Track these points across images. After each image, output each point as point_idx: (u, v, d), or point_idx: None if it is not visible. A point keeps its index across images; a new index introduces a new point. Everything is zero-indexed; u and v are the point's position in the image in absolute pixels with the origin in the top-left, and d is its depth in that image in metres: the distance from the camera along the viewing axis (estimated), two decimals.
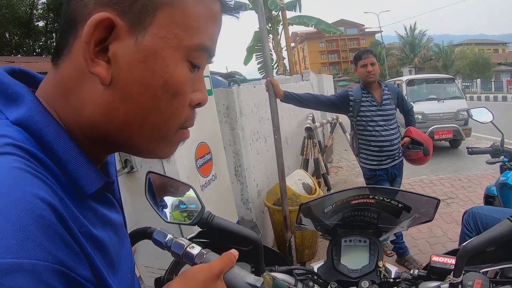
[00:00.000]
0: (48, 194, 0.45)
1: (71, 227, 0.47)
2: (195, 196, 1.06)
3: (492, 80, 35.75)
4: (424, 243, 4.27)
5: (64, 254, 0.44)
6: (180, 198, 1.09)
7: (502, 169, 2.91)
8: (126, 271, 0.64)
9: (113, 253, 0.59)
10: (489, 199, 2.94)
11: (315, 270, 1.23)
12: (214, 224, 1.00)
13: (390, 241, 3.74)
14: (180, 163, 2.07)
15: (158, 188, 1.11)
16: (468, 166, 7.29)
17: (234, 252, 0.86)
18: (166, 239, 0.96)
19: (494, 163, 2.89)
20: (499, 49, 60.72)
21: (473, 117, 3.00)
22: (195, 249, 0.89)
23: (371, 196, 1.15)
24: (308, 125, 5.10)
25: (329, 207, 1.18)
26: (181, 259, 0.91)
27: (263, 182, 3.99)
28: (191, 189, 1.07)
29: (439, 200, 1.10)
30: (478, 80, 34.80)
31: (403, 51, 52.98)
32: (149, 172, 1.13)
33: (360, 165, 3.63)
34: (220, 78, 9.05)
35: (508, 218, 0.87)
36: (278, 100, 3.03)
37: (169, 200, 1.11)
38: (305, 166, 4.91)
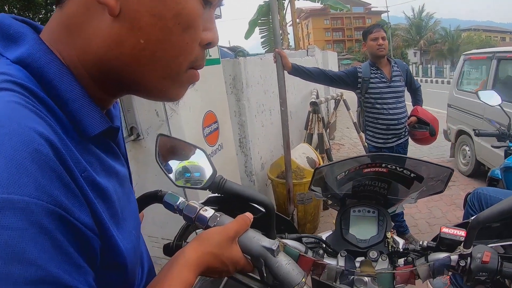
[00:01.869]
0: (47, 131, 0.42)
1: (71, 169, 0.44)
2: (206, 159, 1.03)
3: None
4: (423, 224, 4.30)
5: (61, 194, 0.40)
6: (190, 162, 1.06)
7: (507, 153, 2.91)
8: (131, 227, 0.62)
9: (118, 206, 0.56)
10: (492, 181, 2.96)
11: (324, 239, 1.22)
12: (226, 188, 0.97)
13: (391, 219, 3.76)
14: (188, 131, 2.05)
15: (168, 151, 1.08)
16: None
17: (249, 215, 0.84)
18: (178, 202, 0.93)
19: (500, 147, 2.88)
20: (507, 37, 59.95)
21: (481, 99, 2.96)
22: (209, 212, 0.87)
23: (383, 165, 1.12)
24: (314, 100, 5.05)
25: (341, 174, 1.15)
26: (194, 222, 0.89)
27: (267, 155, 3.97)
28: (202, 152, 1.04)
29: (453, 170, 1.07)
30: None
31: (409, 33, 52.42)
32: (160, 134, 1.10)
33: (366, 143, 3.60)
34: (226, 50, 8.92)
35: None
36: (285, 72, 2.98)
37: (179, 163, 1.08)
38: (309, 141, 4.88)
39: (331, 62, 11.76)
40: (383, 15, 59.36)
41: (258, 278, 0.93)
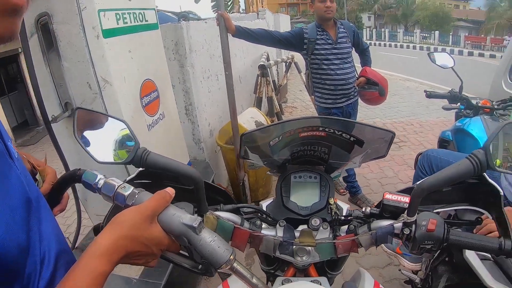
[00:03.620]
0: None
1: None
2: (129, 132, 0.97)
3: (451, 33, 36.31)
4: (376, 183, 4.44)
5: None
6: (114, 135, 1.00)
7: (457, 116, 3.00)
8: (6, 204, 0.56)
9: None
10: (443, 143, 3.04)
11: (264, 207, 1.18)
12: (149, 162, 0.91)
13: (343, 180, 3.84)
14: (123, 102, 1.95)
15: (88, 126, 1.01)
16: (421, 112, 7.53)
17: (169, 191, 0.79)
18: (97, 180, 0.87)
19: (451, 109, 2.95)
20: (460, 5, 61.19)
21: (435, 62, 2.99)
22: (127, 189, 0.82)
23: (321, 128, 1.08)
24: (262, 63, 4.99)
25: (275, 139, 1.10)
26: (113, 201, 0.84)
27: (215, 121, 3.91)
28: (124, 124, 0.98)
29: (394, 133, 1.04)
30: (437, 32, 35.28)
31: None
32: (78, 108, 1.03)
33: (315, 104, 3.61)
34: (170, 14, 8.57)
35: (467, 157, 0.83)
36: (230, 36, 2.89)
37: (101, 138, 1.01)
38: (258, 105, 4.85)
39: (283, 25, 11.65)
40: None
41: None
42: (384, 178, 4.56)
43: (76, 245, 2.29)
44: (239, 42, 3.50)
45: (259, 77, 4.92)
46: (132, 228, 0.68)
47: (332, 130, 1.08)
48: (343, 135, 1.09)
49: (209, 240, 0.76)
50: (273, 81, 5.75)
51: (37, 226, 0.65)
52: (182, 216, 0.77)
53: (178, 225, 0.76)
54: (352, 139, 1.09)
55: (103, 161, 0.96)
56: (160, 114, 2.33)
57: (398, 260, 2.09)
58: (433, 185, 0.84)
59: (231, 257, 0.77)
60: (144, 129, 2.14)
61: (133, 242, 0.68)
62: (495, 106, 2.74)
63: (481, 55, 24.06)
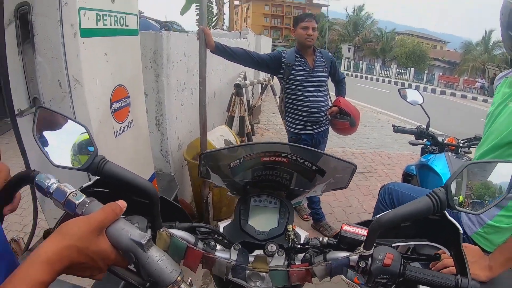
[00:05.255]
0: None
1: None
2: (89, 137, 0.93)
3: (426, 72, 37.90)
4: (340, 211, 4.47)
5: None
6: (73, 139, 0.96)
7: (423, 151, 3.07)
8: None
9: None
10: (407, 177, 3.08)
11: (221, 229, 1.15)
12: (105, 171, 0.88)
13: (308, 206, 3.85)
14: (92, 105, 1.90)
15: (49, 126, 0.97)
16: (390, 144, 7.72)
17: (120, 203, 0.76)
18: (49, 184, 0.83)
19: (417, 144, 3.02)
20: (438, 45, 63.99)
21: (405, 98, 3.06)
22: (78, 198, 0.78)
23: (283, 155, 1.06)
24: (238, 82, 5.00)
25: (236, 162, 1.08)
26: (64, 208, 0.80)
27: (185, 135, 3.87)
28: (84, 129, 0.94)
29: (356, 166, 1.03)
30: (412, 69, 36.71)
31: (346, 28, 54.11)
32: (39, 107, 0.99)
33: (286, 128, 3.63)
34: (153, 22, 8.54)
35: (427, 195, 0.83)
36: (209, 52, 2.89)
37: (61, 140, 0.98)
38: (230, 123, 4.84)
39: (264, 46, 11.79)
40: (323, 9, 60.72)
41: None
42: (349, 207, 4.60)
43: (29, 247, 2.20)
44: (218, 59, 3.50)
45: (234, 96, 4.92)
46: (78, 239, 0.65)
47: (294, 157, 1.07)
48: (306, 163, 1.08)
49: (157, 259, 0.74)
50: (248, 101, 5.77)
51: None
52: (131, 231, 0.74)
53: (126, 240, 0.73)
54: (314, 168, 1.09)
55: (59, 164, 0.93)
56: (129, 122, 2.28)
57: None
58: (391, 221, 0.83)
59: (179, 278, 0.74)
60: (110, 135, 2.09)
61: (78, 253, 0.65)
62: (460, 144, 2.81)
63: (453, 94, 25.25)
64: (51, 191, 0.82)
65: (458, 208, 0.84)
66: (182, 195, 3.85)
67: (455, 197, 0.84)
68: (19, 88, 1.83)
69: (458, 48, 48.02)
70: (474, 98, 23.62)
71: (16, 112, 1.81)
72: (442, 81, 32.64)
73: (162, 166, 3.49)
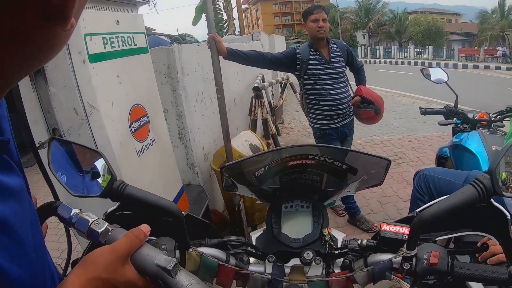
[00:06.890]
0: None
1: None
2: (105, 163, 0.91)
3: (444, 47, 36.69)
4: (375, 203, 4.35)
5: None
6: (90, 166, 0.94)
7: (454, 131, 2.94)
8: (30, 249, 0.51)
9: (18, 229, 0.47)
10: (441, 160, 2.95)
11: (254, 239, 1.10)
12: (126, 195, 0.85)
13: (342, 200, 3.76)
14: (111, 128, 1.89)
15: (64, 157, 0.96)
16: (418, 127, 7.50)
17: (144, 228, 0.73)
18: (71, 214, 0.82)
19: (447, 124, 2.90)
20: (452, 19, 62.56)
21: (429, 78, 2.97)
22: (101, 226, 0.76)
23: (310, 157, 1.01)
24: (256, 85, 4.96)
25: (260, 170, 1.03)
26: (87, 237, 0.78)
27: (210, 145, 3.85)
28: (101, 156, 0.92)
29: (390, 161, 0.97)
30: (430, 47, 35.75)
31: (357, 15, 53.43)
32: (52, 138, 0.97)
33: (310, 125, 3.56)
34: (163, 37, 8.61)
35: (471, 183, 0.76)
36: (222, 58, 2.86)
37: (78, 169, 0.96)
38: (253, 127, 4.80)
39: (278, 46, 11.75)
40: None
41: None
42: (384, 197, 4.46)
43: (67, 273, 2.21)
44: (234, 65, 3.47)
45: (253, 99, 4.89)
46: (105, 269, 0.63)
47: (322, 158, 1.02)
48: (335, 162, 1.02)
49: (186, 283, 0.69)
50: (269, 102, 5.73)
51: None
52: (156, 256, 0.70)
53: (151, 267, 0.69)
54: (344, 167, 1.03)
55: (77, 194, 0.91)
56: (151, 139, 2.27)
57: (400, 283, 2.00)
58: (435, 216, 0.76)
59: None
60: (133, 155, 2.08)
61: (105, 284, 0.63)
62: (492, 119, 2.69)
63: (475, 67, 24.44)
64: (74, 221, 0.81)
65: (505, 194, 0.76)
66: (214, 205, 3.84)
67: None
68: (38, 120, 1.84)
69: (474, 19, 46.59)
70: (498, 68, 22.83)
71: (37, 145, 1.82)
72: (463, 54, 31.63)
73: (191, 178, 3.48)
